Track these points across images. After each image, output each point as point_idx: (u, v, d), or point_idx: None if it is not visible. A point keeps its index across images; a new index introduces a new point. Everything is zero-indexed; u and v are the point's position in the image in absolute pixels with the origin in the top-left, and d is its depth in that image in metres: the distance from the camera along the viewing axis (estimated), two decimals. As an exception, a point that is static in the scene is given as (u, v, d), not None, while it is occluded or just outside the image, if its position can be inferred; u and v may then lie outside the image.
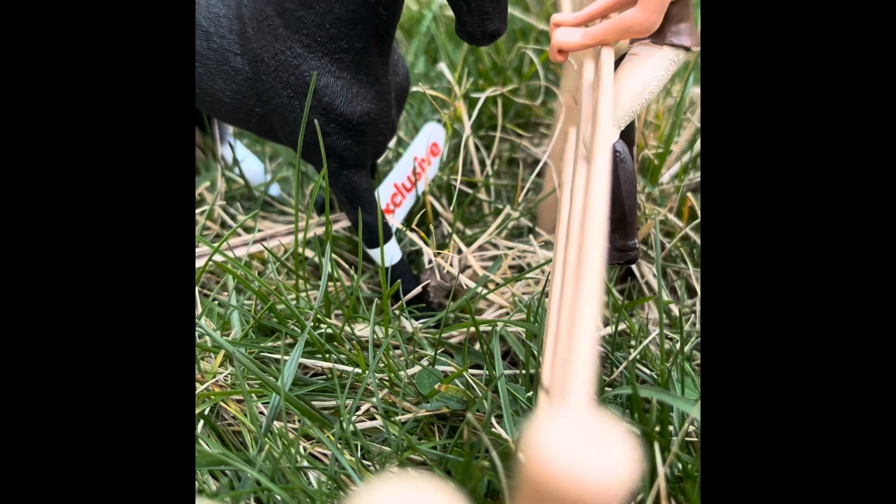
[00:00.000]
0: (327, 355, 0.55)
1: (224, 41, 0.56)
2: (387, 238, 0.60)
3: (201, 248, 0.61)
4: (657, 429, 0.45)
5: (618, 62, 0.52)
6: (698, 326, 0.62)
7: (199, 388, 0.51)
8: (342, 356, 0.55)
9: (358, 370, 0.53)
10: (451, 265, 0.64)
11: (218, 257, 0.59)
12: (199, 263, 0.60)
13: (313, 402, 0.52)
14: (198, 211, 0.67)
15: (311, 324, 0.54)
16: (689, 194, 0.68)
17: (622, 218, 0.51)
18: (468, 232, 0.70)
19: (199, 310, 0.58)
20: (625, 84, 0.49)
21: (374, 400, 0.51)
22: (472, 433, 0.47)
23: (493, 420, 0.50)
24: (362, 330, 0.58)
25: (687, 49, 0.50)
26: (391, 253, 0.61)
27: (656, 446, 0.43)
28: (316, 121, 0.54)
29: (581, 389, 0.24)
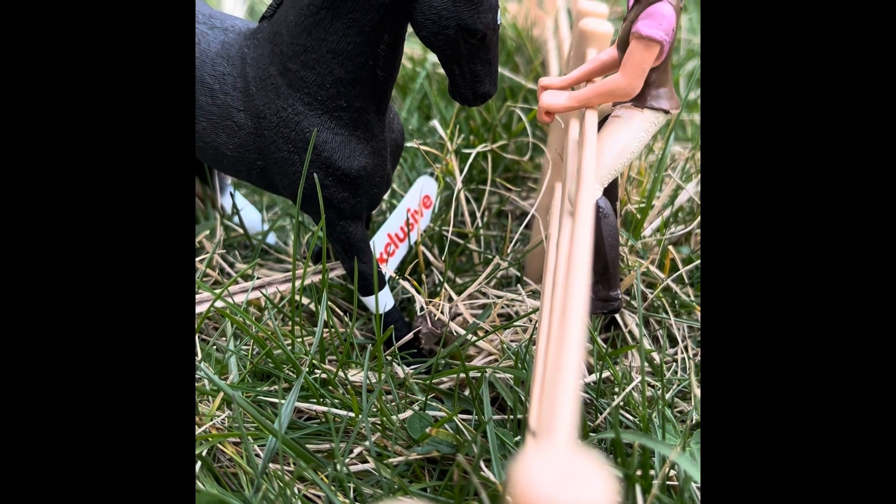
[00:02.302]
0: (322, 399, 0.56)
1: (228, 98, 0.58)
2: (380, 286, 0.63)
3: (202, 294, 0.63)
4: (639, 472, 0.47)
5: (601, 123, 0.55)
6: (679, 374, 0.64)
7: (198, 430, 0.53)
8: (336, 400, 0.56)
9: (351, 414, 0.55)
10: (441, 313, 0.66)
11: (219, 303, 0.61)
12: (200, 309, 0.62)
13: (307, 445, 0.54)
14: (198, 259, 0.69)
15: (307, 369, 0.56)
16: (671, 247, 0.71)
17: (605, 270, 0.54)
18: (458, 281, 0.72)
19: (198, 354, 0.60)
20: (608, 144, 0.53)
21: (367, 443, 0.53)
22: (463, 476, 0.49)
23: (482, 464, 0.52)
24: (355, 375, 0.60)
25: (666, 112, 0.54)
26: (384, 300, 0.63)
27: (638, 489, 0.45)
28: (315, 175, 0.56)
29: (564, 429, 0.27)
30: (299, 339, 0.61)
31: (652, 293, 0.70)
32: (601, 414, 0.57)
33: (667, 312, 0.69)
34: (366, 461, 0.54)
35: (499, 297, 0.70)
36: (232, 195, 0.75)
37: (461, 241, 0.75)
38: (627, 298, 0.69)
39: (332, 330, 0.61)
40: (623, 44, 0.53)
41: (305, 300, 0.67)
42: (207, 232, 0.74)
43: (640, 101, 0.53)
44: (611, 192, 0.60)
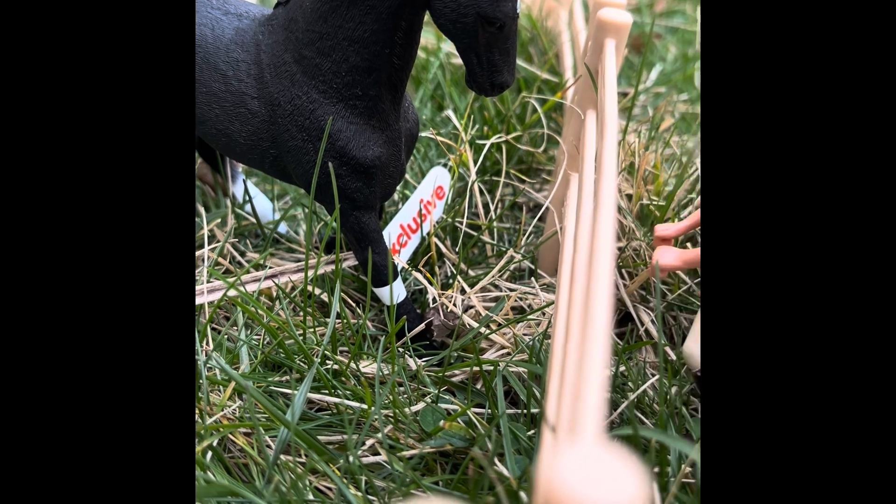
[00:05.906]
0: (333, 391, 0.56)
1: (242, 85, 0.58)
2: (393, 277, 0.62)
3: (214, 283, 0.63)
4: (655, 469, 0.46)
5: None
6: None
7: (209, 419, 0.52)
8: (348, 392, 0.56)
9: (363, 406, 0.55)
10: (454, 305, 0.65)
11: (231, 292, 0.60)
12: (211, 298, 0.62)
13: (318, 437, 0.53)
14: (209, 247, 0.68)
15: (318, 360, 0.55)
16: (688, 244, 0.70)
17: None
18: (471, 273, 0.71)
19: (210, 344, 0.60)
20: None
21: (380, 435, 0.52)
22: (477, 470, 0.48)
23: (495, 458, 0.51)
24: (366, 366, 0.59)
25: None
26: (397, 292, 0.63)
27: (655, 487, 0.44)
28: (330, 164, 0.56)
29: (592, 426, 0.26)
30: (311, 330, 0.60)
31: (667, 290, 0.69)
32: (615, 410, 0.56)
33: (681, 310, 0.68)
34: (377, 453, 0.54)
35: (512, 290, 0.69)
36: (245, 183, 0.74)
37: (474, 233, 0.74)
38: (643, 294, 0.69)
39: (345, 321, 0.61)
40: None
41: (317, 290, 0.67)
42: (218, 220, 0.74)
43: None
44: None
